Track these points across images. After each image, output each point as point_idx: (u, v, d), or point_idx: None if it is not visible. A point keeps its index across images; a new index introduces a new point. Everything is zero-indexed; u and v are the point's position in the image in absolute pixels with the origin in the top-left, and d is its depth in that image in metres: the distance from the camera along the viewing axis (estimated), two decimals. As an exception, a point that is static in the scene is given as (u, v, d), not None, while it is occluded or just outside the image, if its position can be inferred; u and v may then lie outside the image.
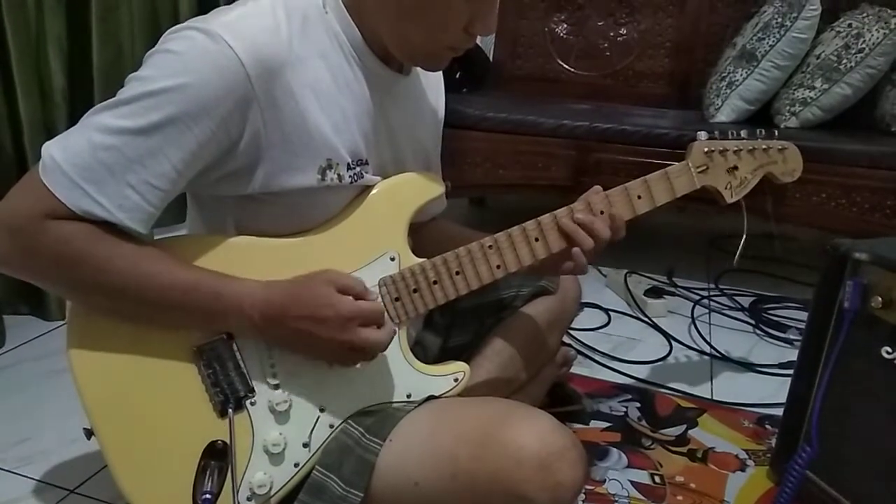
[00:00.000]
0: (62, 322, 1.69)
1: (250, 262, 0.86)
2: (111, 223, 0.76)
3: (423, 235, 1.08)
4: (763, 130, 1.09)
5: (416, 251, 0.93)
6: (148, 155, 0.75)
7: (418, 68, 1.00)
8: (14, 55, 1.53)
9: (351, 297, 0.82)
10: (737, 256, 1.20)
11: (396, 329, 0.90)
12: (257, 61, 0.76)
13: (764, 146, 1.07)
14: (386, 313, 0.87)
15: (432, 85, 1.07)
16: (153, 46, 0.79)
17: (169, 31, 0.79)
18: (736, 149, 1.05)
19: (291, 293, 0.82)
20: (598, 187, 0.97)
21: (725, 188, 1.05)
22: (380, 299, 0.90)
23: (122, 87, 0.77)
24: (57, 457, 1.21)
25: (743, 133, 1.06)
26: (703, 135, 1.03)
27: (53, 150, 0.75)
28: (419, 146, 1.03)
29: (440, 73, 1.09)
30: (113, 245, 0.77)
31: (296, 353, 0.85)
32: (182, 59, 0.75)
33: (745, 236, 1.18)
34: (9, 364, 1.53)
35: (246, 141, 0.80)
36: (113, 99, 0.76)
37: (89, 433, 0.84)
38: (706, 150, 1.03)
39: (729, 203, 1.06)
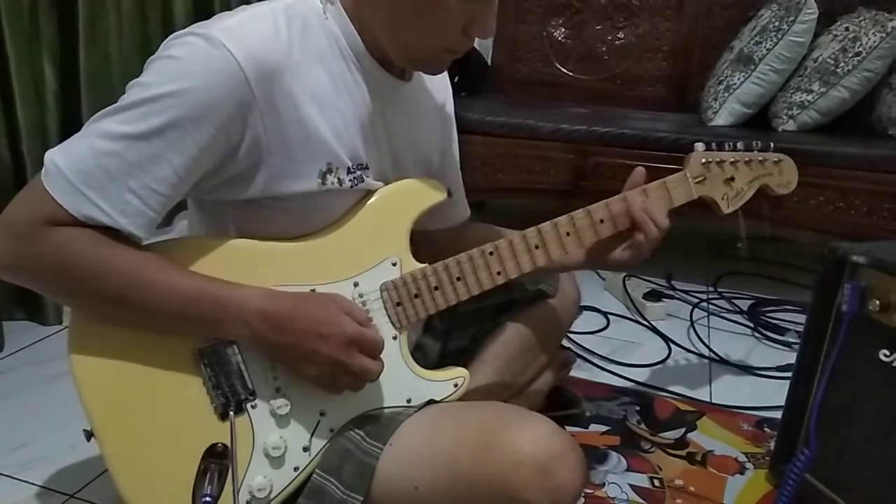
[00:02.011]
0: (61, 327, 1.70)
1: (251, 266, 0.86)
2: (113, 229, 0.77)
3: (458, 241, 1.07)
4: (759, 142, 1.09)
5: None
6: (149, 160, 0.75)
7: (423, 75, 1.00)
8: (12, 60, 1.53)
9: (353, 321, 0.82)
10: (743, 245, 1.21)
11: (398, 349, 0.91)
12: (257, 66, 0.77)
13: (760, 158, 1.08)
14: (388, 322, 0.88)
15: (438, 89, 1.07)
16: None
17: (170, 37, 0.79)
18: (733, 160, 1.06)
19: (298, 305, 0.82)
20: (640, 169, 1.00)
21: (722, 199, 1.06)
22: (382, 307, 0.90)
23: (124, 92, 0.78)
24: (56, 462, 1.21)
25: (739, 144, 1.06)
26: (700, 146, 1.04)
27: (56, 156, 0.75)
28: (420, 153, 1.03)
29: (447, 78, 1.09)
30: (113, 251, 0.77)
31: (289, 366, 0.85)
32: (183, 64, 0.76)
33: (744, 238, 1.19)
34: (7, 369, 1.52)
35: (246, 146, 0.80)
36: (115, 105, 0.77)
37: (89, 435, 0.84)
38: (703, 161, 1.03)
39: (725, 214, 1.07)
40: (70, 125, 1.67)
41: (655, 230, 0.96)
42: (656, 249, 0.98)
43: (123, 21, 1.83)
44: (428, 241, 1.03)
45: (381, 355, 0.88)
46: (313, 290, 0.88)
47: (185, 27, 0.80)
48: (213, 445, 0.84)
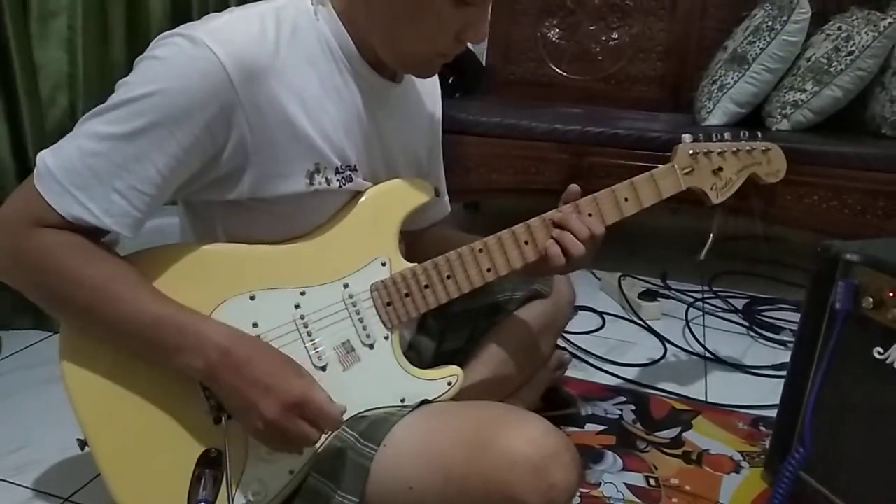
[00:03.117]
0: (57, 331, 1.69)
1: (241, 270, 0.86)
2: (100, 234, 0.77)
3: (424, 241, 1.08)
4: (747, 132, 1.10)
5: (418, 257, 0.93)
6: (133, 160, 0.76)
7: (413, 77, 1.00)
8: (16, 58, 1.52)
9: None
10: (704, 251, 1.22)
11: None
12: (241, 67, 0.77)
13: (748, 147, 1.09)
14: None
15: (428, 92, 1.08)
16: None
17: (158, 37, 0.79)
18: (720, 150, 1.06)
19: (257, 351, 0.80)
20: (574, 186, 0.97)
21: (711, 189, 1.06)
22: (373, 307, 0.90)
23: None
24: (51, 465, 1.21)
25: (727, 135, 1.07)
26: (687, 137, 1.04)
27: (47, 156, 0.76)
28: (411, 154, 1.03)
29: (437, 80, 1.09)
30: (88, 262, 0.77)
31: (231, 410, 0.82)
32: (166, 64, 0.76)
33: (712, 236, 1.20)
34: (3, 372, 1.52)
35: (231, 147, 0.80)
36: (104, 104, 0.77)
37: (83, 444, 0.84)
38: (691, 151, 1.04)
39: (715, 204, 1.07)
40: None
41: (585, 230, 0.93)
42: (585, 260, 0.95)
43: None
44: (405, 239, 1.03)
45: (373, 356, 0.88)
46: (303, 293, 0.88)
47: (158, 24, 0.80)
48: (207, 451, 0.84)
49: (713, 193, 1.06)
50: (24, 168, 1.59)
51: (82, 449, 0.85)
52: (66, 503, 1.13)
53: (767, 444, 1.30)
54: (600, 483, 1.21)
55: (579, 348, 1.75)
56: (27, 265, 0.76)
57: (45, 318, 1.70)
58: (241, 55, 0.77)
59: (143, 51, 0.80)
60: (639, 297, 1.99)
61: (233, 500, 0.84)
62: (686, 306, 2.05)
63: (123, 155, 0.75)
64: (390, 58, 0.88)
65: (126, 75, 0.78)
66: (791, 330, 1.86)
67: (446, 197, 1.19)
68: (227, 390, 0.80)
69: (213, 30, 0.77)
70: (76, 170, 0.75)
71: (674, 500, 1.18)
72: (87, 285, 0.77)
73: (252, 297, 0.86)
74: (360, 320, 0.90)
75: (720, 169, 1.06)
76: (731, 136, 1.08)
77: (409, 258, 0.93)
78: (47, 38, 1.62)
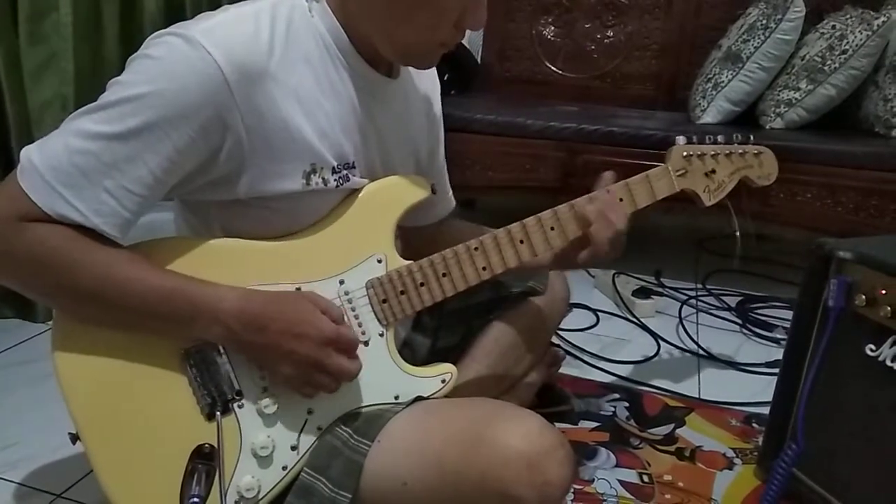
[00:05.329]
0: (49, 325, 1.68)
1: (237, 265, 0.85)
2: (88, 229, 0.76)
3: (436, 236, 1.08)
4: (739, 135, 1.10)
5: (429, 253, 0.93)
6: (125, 160, 0.75)
7: (410, 72, 1.00)
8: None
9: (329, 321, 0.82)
10: (736, 255, 1.23)
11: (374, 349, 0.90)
12: (236, 68, 0.76)
13: (740, 150, 1.09)
14: (360, 336, 0.88)
15: (426, 89, 1.07)
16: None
17: (151, 36, 0.79)
18: (713, 153, 1.07)
19: (273, 304, 0.81)
20: (609, 172, 0.98)
21: (704, 191, 1.06)
22: (368, 304, 0.90)
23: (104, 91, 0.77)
24: (43, 461, 1.20)
25: (720, 138, 1.08)
26: (681, 139, 1.05)
27: (32, 153, 0.75)
28: (409, 150, 1.03)
29: (435, 76, 1.09)
30: (87, 249, 0.76)
31: (264, 366, 0.84)
32: (160, 64, 0.75)
33: (738, 235, 1.20)
34: (-4, 368, 1.52)
35: (228, 148, 0.80)
36: (93, 103, 0.76)
37: (74, 438, 0.84)
38: (684, 154, 1.04)
39: (707, 206, 1.08)
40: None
41: (607, 230, 0.93)
42: (617, 248, 0.95)
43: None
44: (413, 236, 1.03)
45: (368, 352, 0.88)
46: (298, 289, 0.87)
47: (150, 21, 0.79)
48: (201, 446, 0.84)
49: (706, 196, 1.07)
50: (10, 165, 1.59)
51: (74, 443, 0.84)
52: (59, 499, 1.12)
53: (760, 440, 1.31)
54: (594, 479, 1.22)
55: (573, 345, 1.75)
56: (20, 260, 0.75)
57: (30, 308, 1.69)
58: (238, 57, 0.76)
59: (137, 49, 0.79)
60: (633, 295, 2.00)
61: (226, 495, 0.84)
62: (680, 304, 2.05)
63: (115, 155, 0.74)
64: (389, 50, 0.87)
65: (119, 74, 0.78)
66: (784, 327, 1.86)
67: (450, 192, 1.19)
68: (255, 350, 0.82)
69: (208, 30, 0.76)
70: (63, 168, 0.74)
71: (667, 496, 1.19)
72: (90, 270, 0.76)
73: (247, 293, 0.85)
74: (356, 317, 0.90)
75: (713, 171, 1.07)
76: (724, 138, 1.08)
77: (419, 255, 0.93)
78: (38, 34, 1.61)
